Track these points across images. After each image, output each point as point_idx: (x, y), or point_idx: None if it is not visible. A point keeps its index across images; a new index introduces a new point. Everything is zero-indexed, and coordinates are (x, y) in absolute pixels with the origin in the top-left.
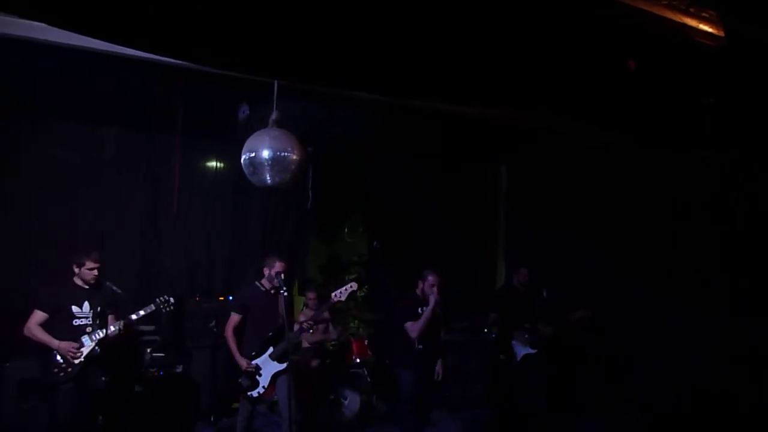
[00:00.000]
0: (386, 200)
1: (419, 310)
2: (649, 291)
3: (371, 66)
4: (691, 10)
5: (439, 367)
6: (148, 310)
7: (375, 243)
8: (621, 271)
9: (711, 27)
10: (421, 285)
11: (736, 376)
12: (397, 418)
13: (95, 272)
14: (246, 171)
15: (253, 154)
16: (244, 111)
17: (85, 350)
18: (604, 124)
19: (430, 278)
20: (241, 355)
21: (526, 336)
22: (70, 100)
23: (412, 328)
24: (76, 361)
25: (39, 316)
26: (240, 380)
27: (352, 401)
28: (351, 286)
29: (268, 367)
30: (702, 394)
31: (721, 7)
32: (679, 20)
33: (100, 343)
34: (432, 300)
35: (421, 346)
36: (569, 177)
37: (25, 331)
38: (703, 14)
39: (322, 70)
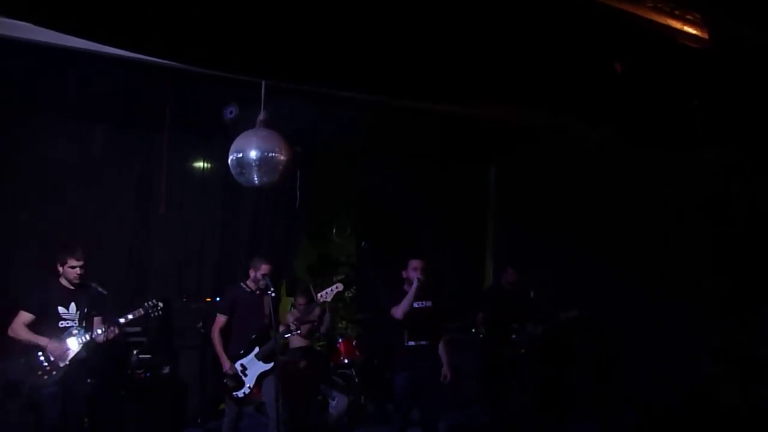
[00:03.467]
0: (376, 200)
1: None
2: (642, 291)
3: (364, 67)
4: (676, 12)
5: (445, 369)
6: (137, 314)
7: (363, 243)
8: (613, 272)
9: (696, 29)
10: (405, 274)
11: (731, 377)
12: (388, 419)
13: (78, 270)
14: (233, 171)
15: (240, 155)
16: (231, 111)
17: (72, 353)
18: (595, 124)
19: (413, 262)
20: (228, 355)
21: (514, 336)
22: (57, 99)
23: (396, 310)
24: (62, 364)
25: (25, 317)
26: (225, 381)
27: (339, 402)
28: (337, 287)
29: (253, 367)
30: (697, 394)
31: (708, 8)
32: (664, 22)
33: (86, 345)
34: (415, 280)
35: (412, 342)
36: (560, 177)
37: (10, 332)
38: (688, 16)
39: (315, 70)
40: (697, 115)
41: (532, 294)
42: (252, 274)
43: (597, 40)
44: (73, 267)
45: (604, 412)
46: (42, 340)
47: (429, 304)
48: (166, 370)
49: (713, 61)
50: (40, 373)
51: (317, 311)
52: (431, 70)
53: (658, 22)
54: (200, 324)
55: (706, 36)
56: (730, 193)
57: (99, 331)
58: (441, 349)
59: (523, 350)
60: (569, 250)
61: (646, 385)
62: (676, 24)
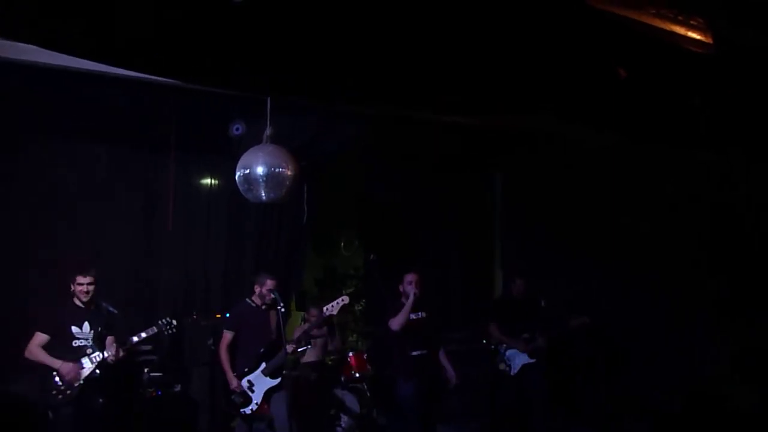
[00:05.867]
0: (382, 212)
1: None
2: (648, 295)
3: (370, 79)
4: (680, 18)
5: (450, 373)
6: (150, 333)
7: (372, 256)
8: (619, 276)
9: (699, 34)
10: (401, 288)
11: (734, 379)
12: None
13: (85, 288)
14: (240, 188)
15: (247, 171)
16: (237, 128)
17: (85, 372)
18: (601, 129)
19: (408, 276)
20: (234, 372)
21: (525, 346)
22: (64, 120)
23: (393, 322)
24: (76, 384)
25: (40, 338)
26: (233, 397)
27: (351, 416)
28: (342, 300)
29: (261, 383)
30: (701, 396)
31: (711, 13)
32: (668, 28)
33: (99, 364)
34: (411, 294)
35: (416, 352)
36: (566, 183)
37: (26, 354)
38: (692, 22)
39: (317, 85)
40: (700, 115)
41: (543, 303)
42: (258, 289)
43: (602, 47)
44: (80, 284)
45: (612, 418)
46: (55, 363)
47: (423, 314)
48: (177, 387)
49: (717, 65)
50: (54, 392)
51: (324, 331)
52: (438, 81)
53: (662, 29)
54: (210, 341)
55: (710, 41)
56: (734, 195)
57: (113, 350)
58: (443, 357)
59: (533, 360)
60: (577, 256)
61: (655, 389)
62: (680, 30)
